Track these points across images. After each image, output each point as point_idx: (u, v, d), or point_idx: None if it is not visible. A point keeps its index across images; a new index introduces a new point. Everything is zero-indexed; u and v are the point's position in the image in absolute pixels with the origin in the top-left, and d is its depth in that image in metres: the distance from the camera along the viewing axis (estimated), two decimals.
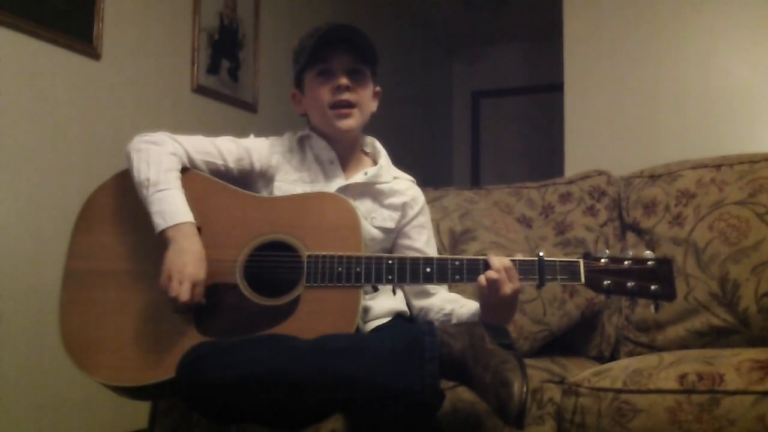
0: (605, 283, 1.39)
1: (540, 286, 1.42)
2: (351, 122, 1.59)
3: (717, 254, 1.97)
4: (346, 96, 1.57)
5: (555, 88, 3.39)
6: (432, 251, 1.70)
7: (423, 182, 1.80)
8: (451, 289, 1.71)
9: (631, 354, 2.03)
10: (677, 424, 1.47)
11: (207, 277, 1.42)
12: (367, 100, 1.62)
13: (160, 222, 1.42)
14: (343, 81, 1.56)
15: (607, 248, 2.16)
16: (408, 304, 1.66)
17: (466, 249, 2.05)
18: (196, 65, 3.12)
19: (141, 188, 1.46)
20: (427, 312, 1.63)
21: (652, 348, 2.01)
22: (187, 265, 1.38)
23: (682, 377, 1.52)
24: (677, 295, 1.40)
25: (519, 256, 1.44)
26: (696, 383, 1.50)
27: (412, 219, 1.68)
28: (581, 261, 1.41)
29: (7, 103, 2.32)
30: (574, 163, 2.90)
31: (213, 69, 3.23)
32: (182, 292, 1.37)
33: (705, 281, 1.97)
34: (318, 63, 1.59)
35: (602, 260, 1.41)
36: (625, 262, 1.40)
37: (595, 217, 2.24)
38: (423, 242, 1.68)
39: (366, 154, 1.73)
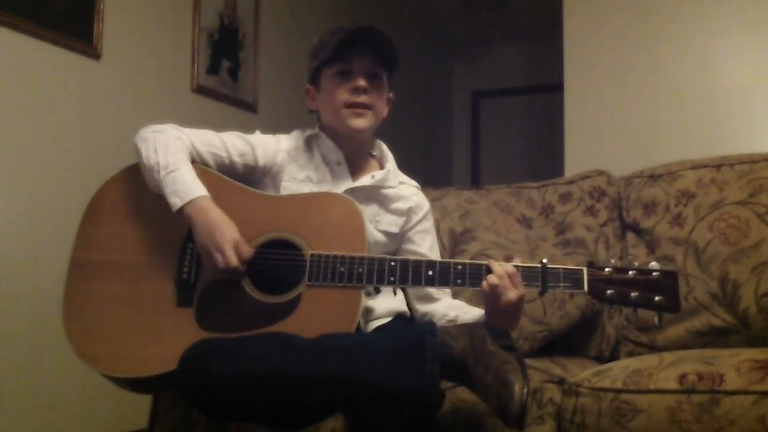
0: (608, 292, 1.38)
1: (542, 293, 1.41)
2: (364, 122, 1.59)
3: (717, 254, 1.97)
4: (363, 98, 1.57)
5: (555, 88, 3.39)
6: (435, 256, 1.70)
7: (423, 182, 1.80)
8: (455, 296, 1.71)
9: (631, 354, 2.03)
10: (677, 424, 1.47)
11: (209, 273, 1.44)
12: (381, 104, 1.62)
13: (176, 201, 1.44)
14: (362, 83, 1.56)
15: (607, 248, 2.16)
16: (411, 308, 1.66)
17: (466, 249, 2.05)
18: (196, 65, 3.12)
19: (153, 174, 1.47)
20: (431, 317, 1.64)
21: (652, 348, 2.01)
22: (217, 234, 1.41)
23: (682, 377, 1.52)
24: (681, 308, 1.39)
25: (519, 261, 1.43)
26: (696, 383, 1.50)
27: (416, 224, 1.68)
28: (585, 269, 1.40)
29: (7, 103, 2.32)
30: (574, 163, 2.90)
31: (213, 69, 3.23)
32: (229, 258, 1.40)
33: (705, 281, 1.97)
34: (338, 62, 1.58)
35: (606, 270, 1.39)
36: (630, 272, 1.38)
37: (595, 217, 2.24)
38: (426, 248, 1.68)
39: (372, 156, 1.73)
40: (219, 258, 1.41)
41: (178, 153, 1.49)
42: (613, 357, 2.08)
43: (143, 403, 1.74)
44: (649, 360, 1.66)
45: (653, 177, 2.22)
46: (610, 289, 1.38)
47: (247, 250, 1.43)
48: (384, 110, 1.65)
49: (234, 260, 1.40)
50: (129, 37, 2.78)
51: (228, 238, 1.41)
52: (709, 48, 2.77)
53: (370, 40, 1.56)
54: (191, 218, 1.44)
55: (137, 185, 1.53)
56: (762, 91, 2.68)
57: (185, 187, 1.45)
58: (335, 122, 1.61)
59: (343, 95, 1.57)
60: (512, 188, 2.43)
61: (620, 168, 2.38)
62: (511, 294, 1.38)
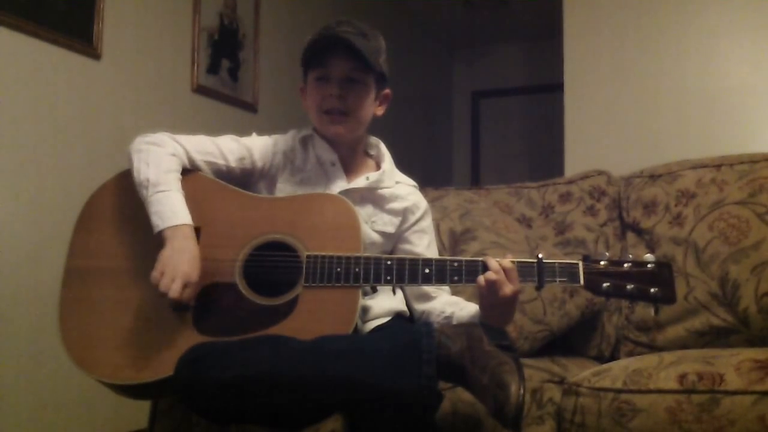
0: (604, 285, 1.39)
1: (539, 287, 1.41)
2: (340, 129, 1.58)
3: (717, 254, 1.97)
4: (337, 105, 1.56)
5: (555, 88, 3.39)
6: (432, 255, 1.69)
7: (423, 182, 1.80)
8: (453, 291, 1.71)
9: (631, 354, 2.03)
10: (677, 424, 1.47)
11: (205, 277, 1.43)
12: (363, 106, 1.59)
13: (159, 222, 1.43)
14: (334, 91, 1.55)
15: (607, 248, 2.16)
16: (410, 308, 1.66)
17: (466, 249, 2.05)
18: (196, 65, 3.12)
19: (141, 188, 1.47)
20: (428, 316, 1.63)
21: (652, 348, 2.01)
22: (181, 264, 1.39)
23: (682, 377, 1.52)
24: (677, 299, 1.39)
25: (513, 257, 1.43)
26: (696, 383, 1.50)
27: (413, 224, 1.67)
28: (581, 263, 1.40)
29: (7, 103, 2.32)
30: (574, 163, 2.90)
31: (213, 69, 3.23)
32: (173, 289, 1.37)
33: (705, 281, 1.97)
34: (317, 67, 1.58)
35: (602, 262, 1.40)
36: (625, 265, 1.39)
37: (595, 217, 2.24)
38: (423, 247, 1.68)
39: (369, 156, 1.72)
40: (166, 282, 1.37)
41: (170, 172, 1.48)
42: (613, 357, 2.08)
43: (143, 403, 1.74)
44: (649, 360, 1.66)
45: (653, 177, 2.22)
46: (606, 282, 1.39)
47: (190, 297, 1.40)
48: (370, 110, 1.62)
49: (175, 294, 1.36)
50: (129, 37, 2.78)
51: (184, 271, 1.38)
52: (709, 48, 2.77)
53: (347, 43, 1.53)
54: (167, 240, 1.42)
55: (130, 191, 1.52)
56: (762, 91, 2.68)
57: (169, 210, 1.43)
58: (317, 126, 1.62)
59: (320, 101, 1.57)
60: (512, 188, 2.43)
61: (620, 168, 2.38)
62: (507, 289, 1.38)
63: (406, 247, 1.67)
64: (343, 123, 1.58)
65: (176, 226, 1.42)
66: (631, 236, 2.20)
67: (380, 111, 1.66)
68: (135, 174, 1.48)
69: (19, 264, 2.34)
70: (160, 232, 1.42)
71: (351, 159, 1.66)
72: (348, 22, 1.58)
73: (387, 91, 1.66)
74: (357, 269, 1.41)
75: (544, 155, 5.09)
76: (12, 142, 2.33)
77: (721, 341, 1.93)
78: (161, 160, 1.49)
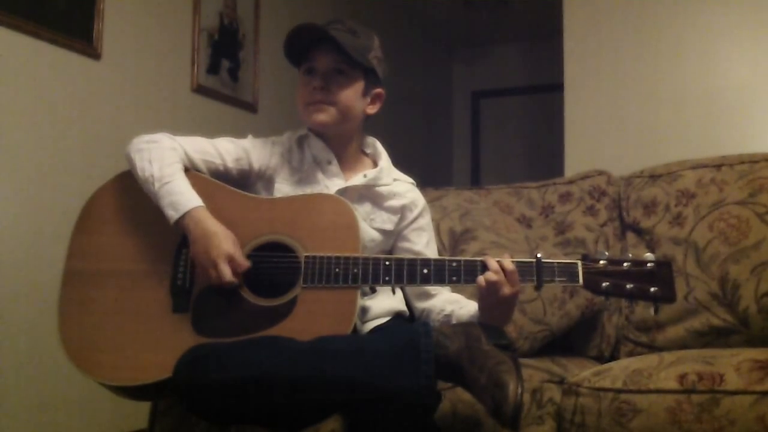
0: (604, 284, 1.39)
1: (538, 287, 1.41)
2: (323, 116, 1.58)
3: (717, 254, 1.97)
4: (318, 97, 1.57)
5: (555, 88, 3.39)
6: (432, 253, 1.69)
7: (423, 182, 1.80)
8: (453, 290, 1.71)
9: (631, 354, 2.03)
10: (677, 424, 1.47)
11: (205, 279, 1.43)
12: (349, 99, 1.58)
13: (173, 213, 1.44)
14: (318, 83, 1.56)
15: (607, 248, 2.16)
16: (410, 306, 1.66)
17: (466, 249, 2.05)
18: (196, 65, 3.12)
19: (147, 185, 1.47)
20: (429, 314, 1.63)
21: (652, 348, 2.01)
22: (212, 247, 1.40)
23: (682, 377, 1.52)
24: (677, 298, 1.39)
25: (511, 257, 1.42)
26: (696, 383, 1.50)
27: (412, 222, 1.68)
28: (580, 263, 1.40)
29: (7, 103, 2.32)
30: (574, 163, 2.90)
31: (213, 69, 3.23)
32: (223, 273, 1.39)
33: (705, 281, 1.97)
34: (304, 62, 1.60)
35: (601, 262, 1.40)
36: (624, 264, 1.39)
37: (595, 217, 2.24)
38: (422, 245, 1.68)
39: (366, 155, 1.72)
40: (213, 273, 1.40)
41: (173, 164, 1.49)
42: (613, 357, 2.08)
43: (143, 403, 1.74)
44: (649, 360, 1.67)
45: (653, 177, 2.22)
46: (606, 281, 1.38)
47: (242, 263, 1.42)
48: (356, 104, 1.61)
49: (227, 275, 1.39)
50: (129, 37, 2.78)
51: (222, 252, 1.40)
52: (708, 48, 2.77)
53: (329, 37, 1.54)
54: (188, 230, 1.44)
55: (129, 192, 1.53)
56: (762, 91, 2.67)
57: (181, 198, 1.45)
58: (304, 120, 1.63)
59: (306, 95, 1.59)
60: (512, 188, 2.43)
61: (620, 168, 2.38)
62: (506, 289, 1.39)
63: (405, 245, 1.67)
64: (325, 111, 1.57)
65: (189, 211, 1.43)
66: (631, 236, 2.20)
67: (372, 110, 1.65)
68: (139, 172, 1.49)
69: (19, 264, 2.34)
70: (177, 223, 1.44)
71: (347, 157, 1.66)
72: (340, 21, 1.59)
73: (379, 90, 1.65)
74: (356, 270, 1.41)
75: (544, 155, 5.08)
76: (12, 142, 2.33)
77: (721, 341, 1.93)
78: (163, 155, 1.49)
